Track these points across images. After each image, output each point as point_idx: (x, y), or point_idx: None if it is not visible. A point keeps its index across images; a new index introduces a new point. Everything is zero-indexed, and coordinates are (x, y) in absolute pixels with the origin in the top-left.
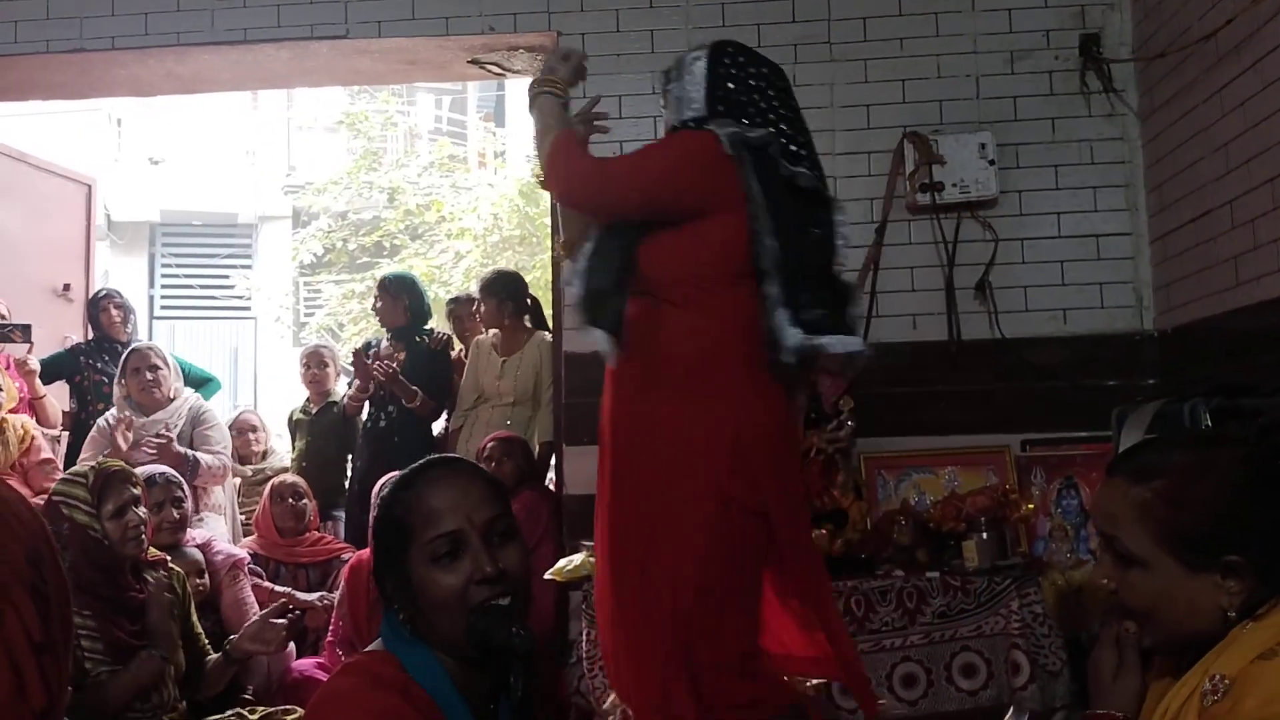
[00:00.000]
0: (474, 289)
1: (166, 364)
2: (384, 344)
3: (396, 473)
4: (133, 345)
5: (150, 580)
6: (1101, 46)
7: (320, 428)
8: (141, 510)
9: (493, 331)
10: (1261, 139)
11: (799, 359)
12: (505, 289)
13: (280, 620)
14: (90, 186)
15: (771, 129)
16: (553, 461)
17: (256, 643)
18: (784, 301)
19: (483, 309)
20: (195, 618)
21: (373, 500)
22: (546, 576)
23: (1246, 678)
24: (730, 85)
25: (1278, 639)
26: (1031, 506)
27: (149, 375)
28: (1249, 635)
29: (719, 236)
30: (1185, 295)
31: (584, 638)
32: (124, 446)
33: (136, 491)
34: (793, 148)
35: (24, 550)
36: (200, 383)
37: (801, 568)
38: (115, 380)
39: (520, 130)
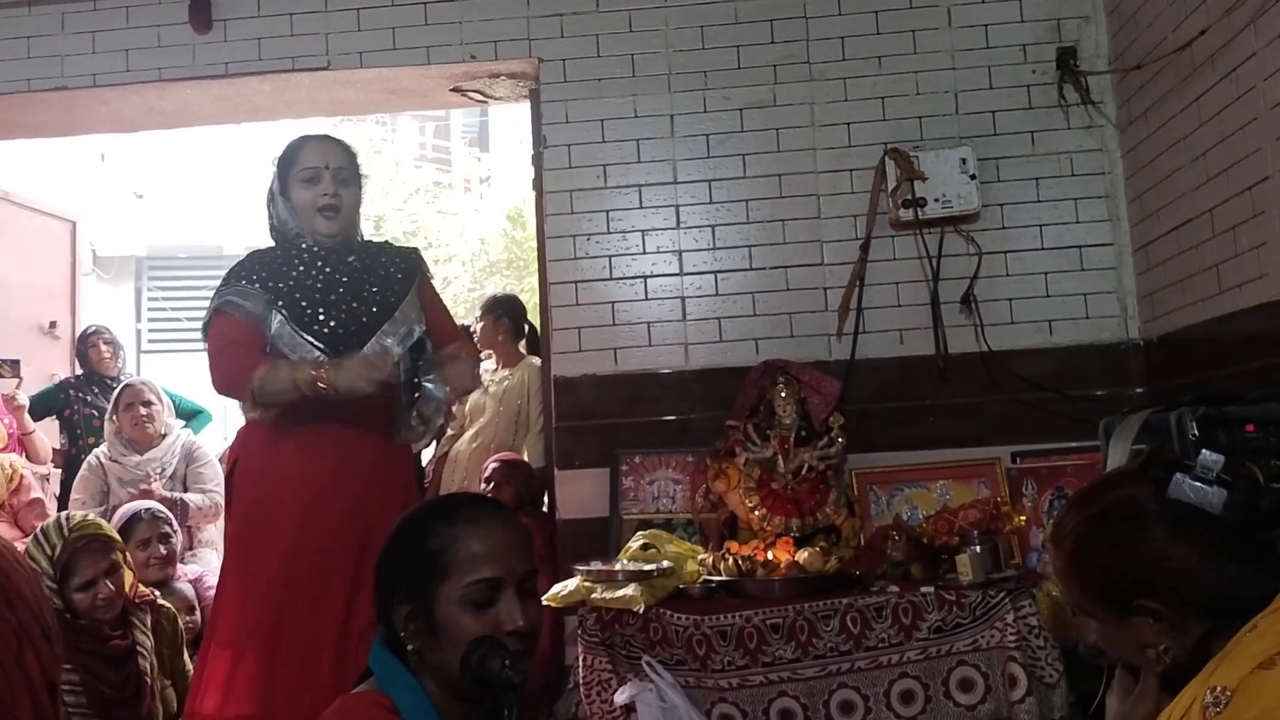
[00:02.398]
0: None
1: (159, 399)
2: None
3: (427, 501)
4: (125, 381)
5: (137, 625)
6: (1078, 59)
7: None
8: (117, 578)
9: (485, 353)
10: (1239, 147)
11: None
12: (502, 307)
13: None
14: (74, 224)
15: None
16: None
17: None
18: None
19: (480, 327)
20: (186, 655)
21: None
22: (542, 602)
23: (1247, 688)
24: None
25: (1276, 648)
26: (1024, 518)
27: (142, 410)
28: (1248, 644)
29: None
30: (1169, 304)
31: (580, 663)
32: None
33: (115, 558)
34: None
35: (33, 593)
36: (191, 415)
37: None
38: (106, 416)
39: (506, 155)
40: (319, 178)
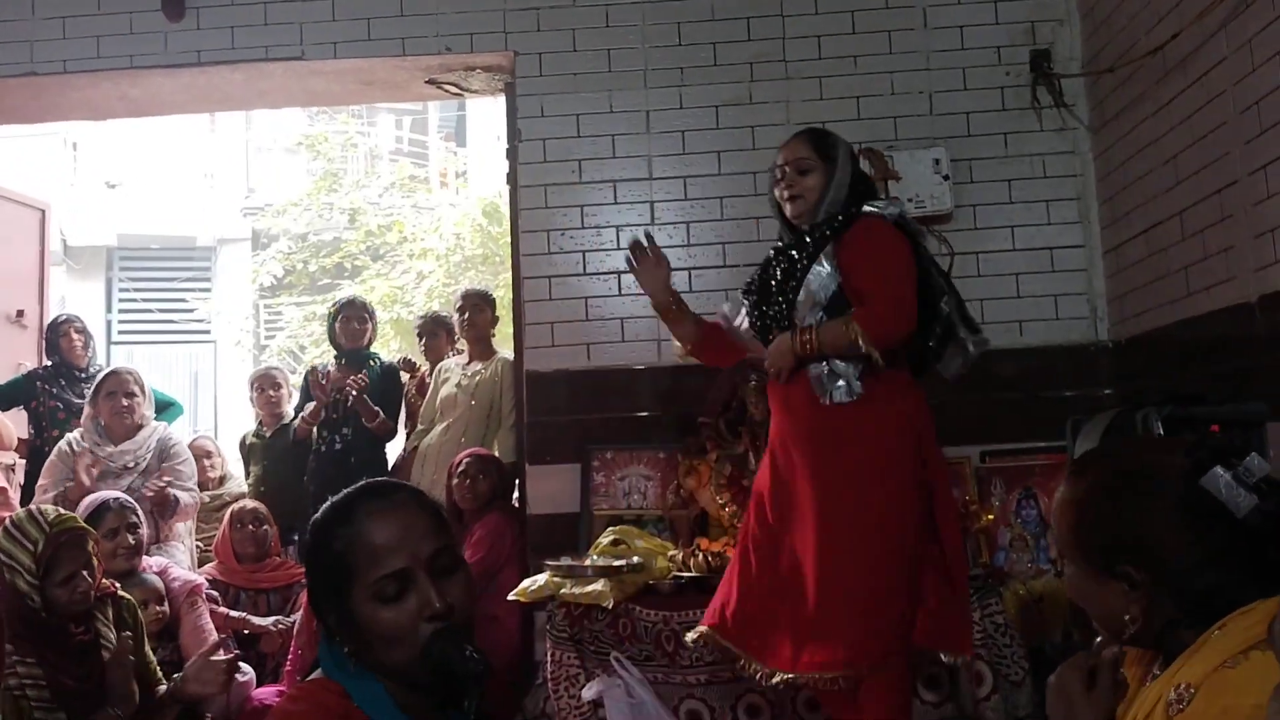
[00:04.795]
0: (438, 308)
1: (142, 392)
2: (330, 367)
3: (330, 501)
4: (111, 368)
5: (99, 618)
6: (1052, 62)
7: (276, 451)
8: (91, 570)
9: (457, 350)
10: (1208, 151)
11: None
12: (489, 299)
13: (220, 658)
14: (44, 211)
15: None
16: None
17: (198, 684)
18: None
19: (472, 319)
20: (148, 647)
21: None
22: (511, 597)
23: (1211, 686)
24: (859, 174)
25: (1241, 647)
26: (991, 517)
27: (124, 401)
28: (1213, 644)
29: None
30: (1138, 306)
31: (548, 659)
32: (87, 482)
33: (90, 550)
34: None
35: None
36: (162, 407)
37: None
38: (87, 400)
39: (482, 150)
40: (781, 174)
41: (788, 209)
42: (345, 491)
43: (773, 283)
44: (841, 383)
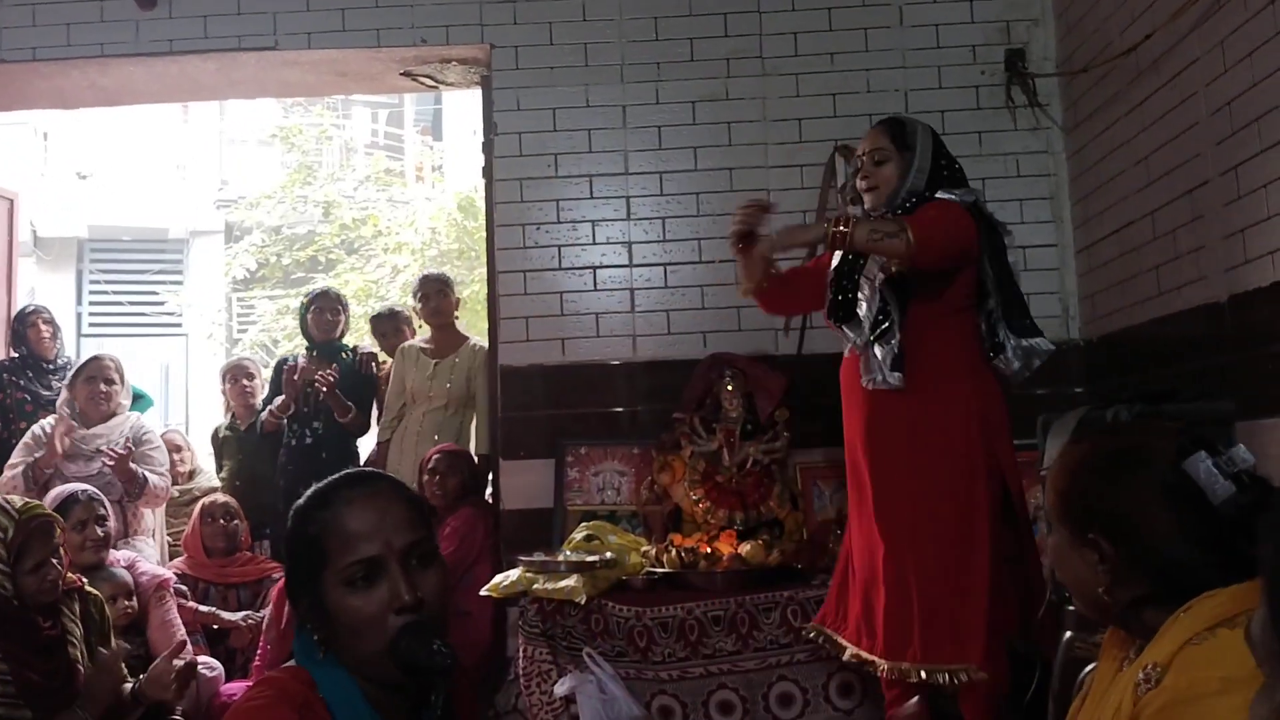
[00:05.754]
0: (395, 305)
1: (122, 381)
2: (301, 359)
3: (314, 486)
4: (95, 354)
5: (66, 613)
6: (1026, 61)
7: (250, 445)
8: (59, 558)
9: (420, 338)
10: (1181, 151)
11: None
12: (450, 283)
13: (178, 662)
14: (13, 201)
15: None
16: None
17: (156, 688)
18: (1003, 318)
19: (437, 304)
20: (114, 642)
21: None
22: (483, 592)
23: (1177, 663)
24: (944, 159)
25: (1207, 624)
26: None
27: (102, 388)
28: (1180, 624)
29: (968, 277)
30: (1110, 305)
31: (521, 654)
32: (59, 450)
33: (58, 539)
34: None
35: None
36: (132, 400)
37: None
38: (65, 384)
39: (459, 144)
40: (860, 165)
41: (866, 200)
42: (329, 478)
43: (839, 268)
44: (879, 372)
